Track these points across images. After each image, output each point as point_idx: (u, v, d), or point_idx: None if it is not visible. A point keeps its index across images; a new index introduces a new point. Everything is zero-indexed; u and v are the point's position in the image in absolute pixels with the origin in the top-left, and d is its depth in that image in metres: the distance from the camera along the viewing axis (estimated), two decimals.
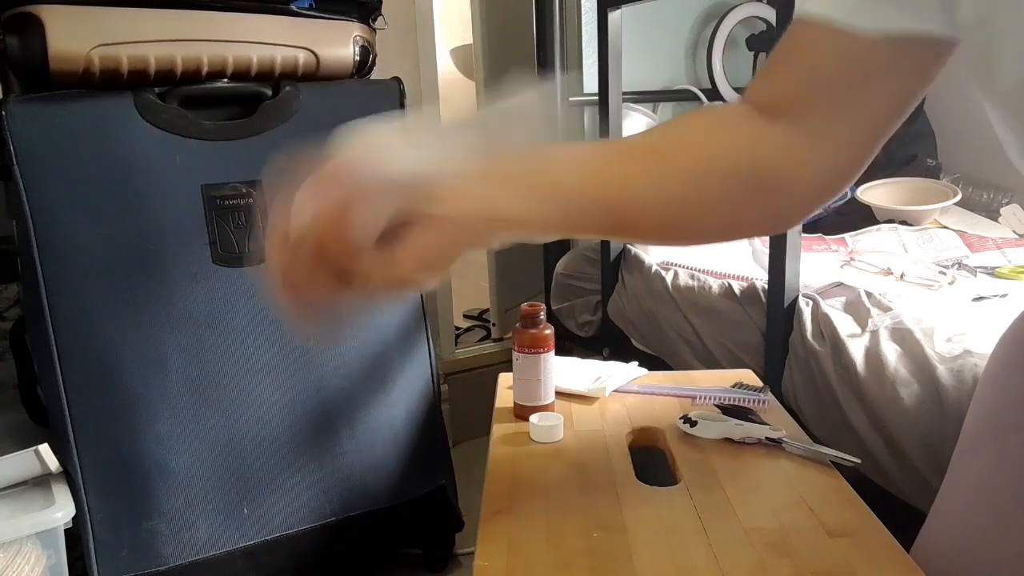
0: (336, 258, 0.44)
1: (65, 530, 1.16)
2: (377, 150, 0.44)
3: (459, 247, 0.45)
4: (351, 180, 0.42)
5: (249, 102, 1.32)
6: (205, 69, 1.27)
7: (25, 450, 1.14)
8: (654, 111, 2.41)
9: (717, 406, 0.87)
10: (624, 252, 1.88)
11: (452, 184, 0.44)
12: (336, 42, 1.40)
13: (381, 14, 1.50)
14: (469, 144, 0.45)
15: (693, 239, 0.63)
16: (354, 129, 0.45)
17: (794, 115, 0.54)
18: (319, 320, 0.47)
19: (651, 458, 0.81)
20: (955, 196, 2.02)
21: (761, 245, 1.85)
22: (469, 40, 2.35)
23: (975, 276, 1.66)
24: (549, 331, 0.87)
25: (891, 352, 1.27)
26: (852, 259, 1.78)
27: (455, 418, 2.11)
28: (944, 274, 1.64)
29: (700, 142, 0.55)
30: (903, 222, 2.01)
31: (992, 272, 1.68)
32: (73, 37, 1.16)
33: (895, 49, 0.51)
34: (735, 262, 1.79)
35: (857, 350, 1.31)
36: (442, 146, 0.45)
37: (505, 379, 0.97)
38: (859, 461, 0.74)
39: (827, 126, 0.54)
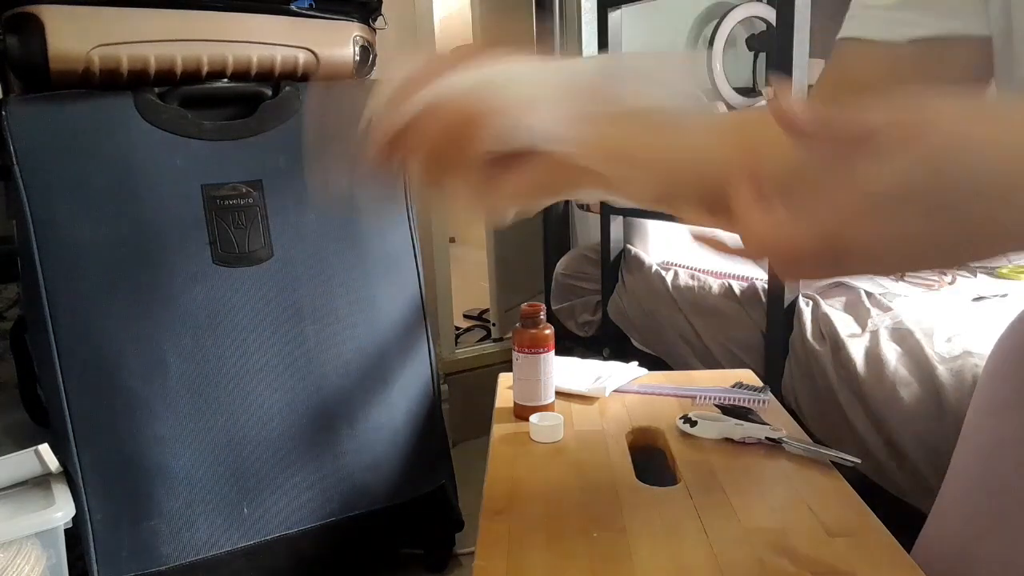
0: (447, 154, 0.44)
1: (65, 530, 1.16)
2: (515, 83, 0.45)
3: (558, 190, 0.46)
4: (495, 99, 0.43)
5: (249, 102, 1.32)
6: (205, 69, 1.27)
7: (25, 450, 1.14)
8: None
9: (717, 406, 0.87)
10: (624, 252, 1.88)
11: (572, 135, 0.44)
12: (336, 42, 1.40)
13: (381, 14, 1.50)
14: (596, 96, 0.46)
15: None
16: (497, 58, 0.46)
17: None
18: (380, 189, 0.48)
19: (651, 458, 0.81)
20: None
21: None
22: (469, 40, 2.35)
23: (975, 276, 1.66)
24: (549, 331, 0.87)
25: (891, 352, 1.27)
26: None
27: (455, 418, 2.11)
28: (944, 274, 1.64)
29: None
30: None
31: (992, 272, 1.68)
32: (73, 37, 1.16)
33: (932, 50, 0.53)
34: (735, 262, 1.79)
35: (857, 350, 1.31)
36: (574, 93, 0.45)
37: (505, 379, 0.97)
38: (859, 461, 0.74)
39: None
